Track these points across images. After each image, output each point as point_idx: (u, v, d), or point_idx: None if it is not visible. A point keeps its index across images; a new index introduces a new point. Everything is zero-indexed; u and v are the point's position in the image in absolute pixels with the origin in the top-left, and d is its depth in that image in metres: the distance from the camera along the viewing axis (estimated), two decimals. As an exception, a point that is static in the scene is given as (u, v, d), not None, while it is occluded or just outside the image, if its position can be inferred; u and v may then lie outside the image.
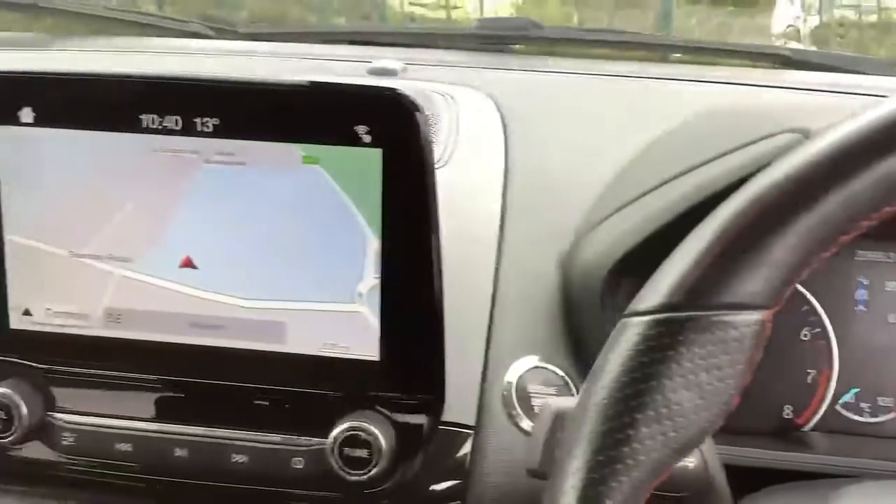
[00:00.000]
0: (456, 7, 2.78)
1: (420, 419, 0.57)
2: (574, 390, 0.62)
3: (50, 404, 0.60)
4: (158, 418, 0.59)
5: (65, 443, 0.60)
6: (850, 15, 2.48)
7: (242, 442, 0.58)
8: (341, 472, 0.56)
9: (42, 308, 0.59)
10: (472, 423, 0.60)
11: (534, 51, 1.03)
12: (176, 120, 0.55)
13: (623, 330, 0.37)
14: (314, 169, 0.55)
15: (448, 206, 0.57)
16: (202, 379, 0.59)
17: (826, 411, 0.64)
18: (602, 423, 0.35)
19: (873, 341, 0.64)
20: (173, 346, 0.58)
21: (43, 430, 0.60)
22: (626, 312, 0.38)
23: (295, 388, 0.58)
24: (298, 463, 0.58)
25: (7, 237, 0.58)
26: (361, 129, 0.54)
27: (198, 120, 0.55)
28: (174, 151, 0.56)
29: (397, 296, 0.56)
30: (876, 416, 0.65)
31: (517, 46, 1.01)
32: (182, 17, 1.10)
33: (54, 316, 0.59)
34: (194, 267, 0.57)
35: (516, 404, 0.61)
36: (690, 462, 0.47)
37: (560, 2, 2.95)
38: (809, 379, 0.64)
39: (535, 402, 0.62)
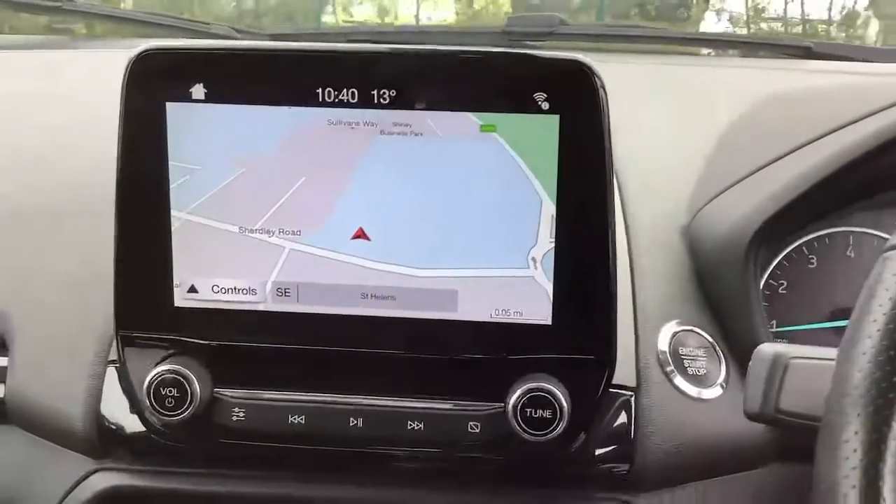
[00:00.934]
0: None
1: (591, 380, 0.59)
2: (719, 350, 0.65)
3: (217, 380, 0.60)
4: (331, 390, 0.60)
5: (235, 418, 0.59)
6: (777, 27, 2.53)
7: (417, 409, 0.59)
8: (524, 434, 0.57)
9: (208, 284, 0.59)
10: (632, 384, 0.62)
11: (561, 47, 1.06)
12: (353, 93, 0.56)
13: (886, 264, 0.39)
14: (491, 136, 0.56)
15: None
16: (372, 349, 0.59)
17: None
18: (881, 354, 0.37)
19: None
20: (343, 318, 0.59)
21: (213, 407, 0.59)
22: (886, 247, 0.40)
23: (466, 354, 0.59)
24: (475, 427, 0.59)
25: (174, 214, 0.58)
26: (540, 97, 0.55)
27: (374, 92, 0.56)
28: (350, 123, 0.56)
29: (571, 260, 0.57)
30: None
31: (544, 43, 1.04)
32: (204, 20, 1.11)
33: (221, 292, 0.59)
34: (367, 238, 0.58)
35: (672, 364, 0.63)
36: None
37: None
38: None
39: (687, 362, 0.64)
